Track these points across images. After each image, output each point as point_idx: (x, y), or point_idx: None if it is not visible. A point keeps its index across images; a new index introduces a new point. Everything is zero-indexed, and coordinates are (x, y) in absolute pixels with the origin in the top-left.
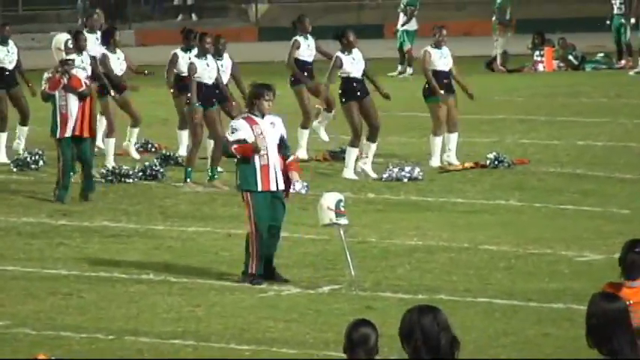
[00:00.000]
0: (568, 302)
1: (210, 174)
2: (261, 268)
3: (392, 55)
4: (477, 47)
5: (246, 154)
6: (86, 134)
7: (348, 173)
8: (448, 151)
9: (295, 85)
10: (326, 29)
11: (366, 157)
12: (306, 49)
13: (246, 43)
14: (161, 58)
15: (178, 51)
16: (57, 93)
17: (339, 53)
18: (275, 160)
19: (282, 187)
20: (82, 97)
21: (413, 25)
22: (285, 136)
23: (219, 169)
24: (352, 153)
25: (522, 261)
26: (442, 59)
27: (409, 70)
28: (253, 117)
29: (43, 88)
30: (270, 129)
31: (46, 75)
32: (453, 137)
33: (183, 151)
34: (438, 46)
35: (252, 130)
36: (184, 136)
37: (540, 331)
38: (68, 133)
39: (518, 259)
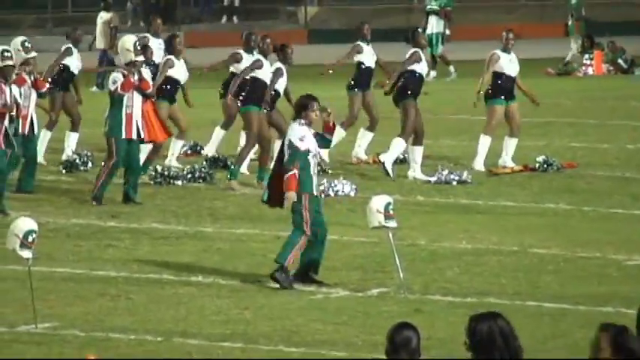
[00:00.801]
0: (617, 306)
1: (258, 175)
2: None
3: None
4: (526, 50)
5: (288, 189)
6: (149, 139)
7: (388, 160)
8: (505, 155)
9: (352, 89)
10: (374, 32)
11: (415, 163)
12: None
13: (296, 46)
14: (210, 59)
15: (242, 52)
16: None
17: (418, 49)
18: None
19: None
20: (146, 99)
21: (442, 28)
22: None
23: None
24: (400, 143)
25: (571, 264)
26: (511, 64)
27: (432, 74)
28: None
29: (113, 88)
30: (315, 142)
31: (115, 75)
32: (513, 141)
33: (209, 149)
34: (506, 50)
35: (312, 141)
36: (221, 135)
37: (589, 334)
38: (134, 135)
39: (567, 263)
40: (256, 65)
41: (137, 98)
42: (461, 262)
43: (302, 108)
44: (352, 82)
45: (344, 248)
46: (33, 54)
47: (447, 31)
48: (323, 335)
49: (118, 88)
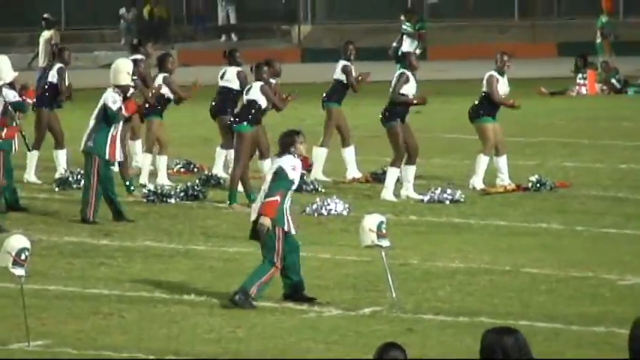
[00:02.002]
0: (610, 326)
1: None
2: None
3: (435, 76)
4: (519, 70)
5: (267, 214)
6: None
7: (388, 194)
8: (501, 174)
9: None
10: (367, 51)
11: (408, 182)
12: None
13: (290, 64)
14: (203, 78)
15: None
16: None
17: (406, 71)
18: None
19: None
20: (126, 122)
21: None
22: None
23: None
24: (394, 174)
25: (564, 284)
26: (503, 87)
27: None
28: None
29: (116, 108)
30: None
31: (112, 95)
32: (503, 159)
33: (216, 171)
34: (501, 71)
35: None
36: (223, 155)
37: (582, 354)
38: (118, 157)
39: (559, 283)
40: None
41: (122, 121)
42: (453, 281)
43: (289, 145)
44: (327, 96)
45: (337, 267)
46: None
47: (418, 51)
48: (315, 354)
49: (122, 110)
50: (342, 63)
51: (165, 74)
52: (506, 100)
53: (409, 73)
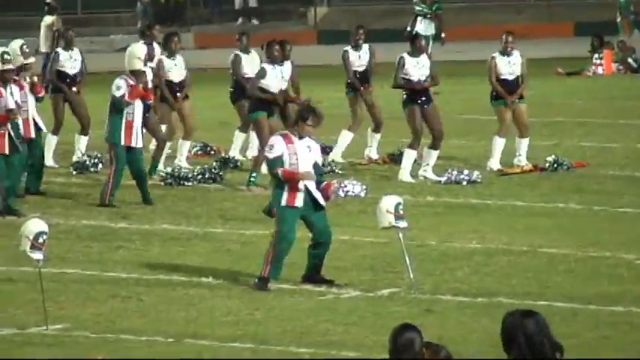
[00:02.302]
0: (628, 305)
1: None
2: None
3: (451, 57)
4: (536, 50)
5: (294, 180)
6: (140, 144)
7: (405, 176)
8: (519, 155)
9: (349, 92)
10: (383, 33)
11: (427, 164)
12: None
13: (306, 46)
14: (220, 61)
15: (240, 53)
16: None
17: (404, 55)
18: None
19: (313, 203)
20: (147, 109)
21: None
22: (320, 163)
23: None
24: (410, 155)
25: (582, 264)
26: (509, 66)
27: None
28: (291, 136)
29: (119, 94)
30: (304, 152)
31: (119, 81)
32: (524, 141)
33: (233, 153)
34: (505, 52)
35: (288, 148)
36: (240, 138)
37: (600, 334)
38: (134, 143)
39: (577, 263)
40: (260, 74)
41: (139, 106)
42: (471, 262)
43: (300, 118)
44: (348, 85)
45: (354, 249)
46: (31, 59)
47: (443, 34)
48: (333, 336)
49: (125, 96)
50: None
51: (161, 57)
52: (498, 86)
53: (407, 57)
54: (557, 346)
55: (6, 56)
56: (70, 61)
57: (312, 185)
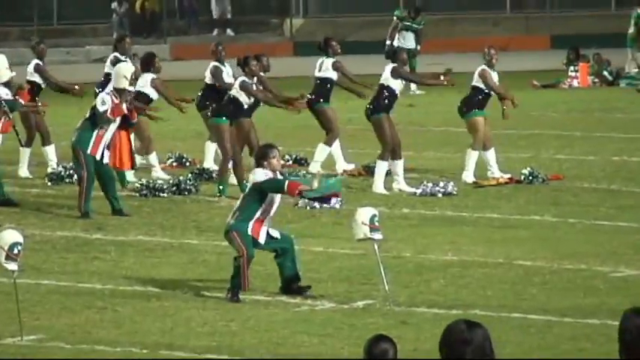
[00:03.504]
0: (603, 318)
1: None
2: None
3: (429, 69)
4: (512, 62)
5: (296, 192)
6: (113, 164)
7: (378, 187)
8: (489, 167)
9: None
10: (361, 45)
11: (398, 176)
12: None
13: (282, 58)
14: (196, 72)
15: (219, 64)
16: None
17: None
18: (269, 221)
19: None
20: (126, 127)
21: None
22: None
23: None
24: (382, 166)
25: (557, 276)
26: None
27: (413, 87)
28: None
29: (102, 109)
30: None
31: (105, 97)
32: (491, 152)
33: (208, 164)
34: (490, 65)
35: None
36: (212, 148)
37: (575, 346)
38: (97, 155)
39: (553, 275)
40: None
41: (114, 123)
42: (447, 274)
43: (262, 158)
44: (312, 96)
45: (330, 260)
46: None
47: (418, 47)
48: (309, 347)
49: (108, 112)
50: (330, 60)
51: (153, 75)
52: (507, 93)
53: (400, 68)
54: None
55: None
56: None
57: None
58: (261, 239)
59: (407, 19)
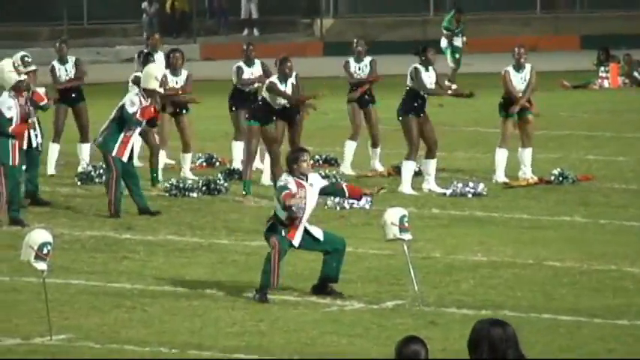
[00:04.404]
0: (633, 319)
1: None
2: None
3: (460, 70)
4: (542, 63)
5: (293, 199)
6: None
7: (406, 188)
8: (523, 167)
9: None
10: (390, 45)
11: (428, 175)
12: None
13: (312, 58)
14: (226, 72)
15: (242, 65)
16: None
17: (417, 65)
18: (305, 221)
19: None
20: (153, 125)
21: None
22: (326, 184)
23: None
24: (409, 167)
25: (587, 277)
26: (520, 82)
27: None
28: (300, 180)
29: (132, 111)
30: (311, 193)
31: (134, 97)
32: (527, 152)
33: (238, 164)
34: (518, 65)
35: (299, 191)
36: (239, 147)
37: (605, 347)
38: (125, 157)
39: (582, 275)
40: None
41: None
42: (476, 274)
43: (293, 161)
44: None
45: (359, 261)
46: (32, 67)
47: (465, 39)
48: (337, 347)
49: (137, 114)
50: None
51: (165, 72)
52: (521, 97)
53: (420, 68)
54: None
55: (27, 59)
56: (65, 74)
57: (306, 223)
58: (296, 242)
59: (455, 28)
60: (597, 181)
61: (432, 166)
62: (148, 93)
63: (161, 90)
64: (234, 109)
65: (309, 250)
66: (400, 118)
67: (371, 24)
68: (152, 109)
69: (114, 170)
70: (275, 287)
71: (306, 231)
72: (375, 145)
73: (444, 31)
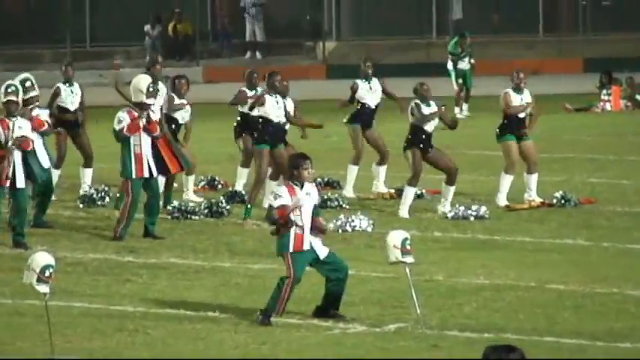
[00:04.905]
0: (635, 341)
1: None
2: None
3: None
4: (545, 85)
5: (286, 214)
6: (154, 174)
7: (402, 212)
8: (529, 190)
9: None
10: (394, 67)
11: (445, 200)
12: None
13: (314, 81)
14: (229, 95)
15: (246, 89)
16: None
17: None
18: (307, 228)
19: (317, 249)
20: (154, 139)
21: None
22: (318, 203)
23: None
24: (409, 193)
25: (590, 300)
26: (520, 104)
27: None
28: (293, 186)
29: (118, 128)
30: (306, 200)
31: (121, 115)
32: (533, 177)
33: (239, 187)
34: (518, 89)
35: (291, 199)
36: (244, 173)
37: None
38: (145, 173)
39: (585, 298)
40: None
41: (145, 137)
42: (479, 297)
43: (294, 167)
44: (351, 117)
45: (361, 283)
46: (34, 93)
47: (472, 61)
48: None
49: (124, 129)
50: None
51: (172, 95)
52: (519, 108)
53: (421, 104)
54: None
55: (9, 89)
56: (71, 96)
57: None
58: (306, 246)
59: (460, 52)
60: (600, 204)
61: (450, 192)
62: (138, 106)
63: (151, 101)
64: (240, 136)
65: (318, 269)
66: (406, 149)
67: (374, 46)
68: (141, 122)
69: (131, 196)
70: (279, 314)
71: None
72: (381, 163)
73: (450, 56)
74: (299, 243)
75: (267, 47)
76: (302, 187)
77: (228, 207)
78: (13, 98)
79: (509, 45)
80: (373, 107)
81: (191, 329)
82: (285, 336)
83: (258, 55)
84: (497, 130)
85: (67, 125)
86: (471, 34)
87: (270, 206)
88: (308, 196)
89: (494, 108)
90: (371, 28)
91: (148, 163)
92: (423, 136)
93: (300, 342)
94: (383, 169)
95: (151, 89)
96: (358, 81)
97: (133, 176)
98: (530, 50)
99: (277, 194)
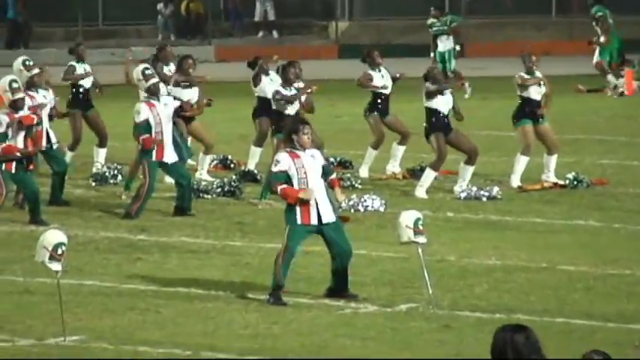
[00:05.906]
0: None
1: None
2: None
3: (473, 74)
4: (556, 67)
5: (290, 200)
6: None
7: (420, 192)
8: (547, 171)
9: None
10: (406, 48)
11: (463, 180)
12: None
13: (326, 61)
14: (241, 74)
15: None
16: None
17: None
18: (317, 194)
19: (327, 219)
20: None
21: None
22: (326, 164)
23: None
24: (430, 175)
25: (601, 282)
26: (535, 86)
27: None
28: (295, 151)
29: (137, 120)
30: (311, 162)
31: (140, 106)
32: (552, 159)
33: (252, 167)
34: (530, 72)
35: (294, 163)
36: (257, 152)
37: (619, 351)
38: (165, 158)
39: (596, 280)
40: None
41: (167, 123)
42: (490, 278)
43: (293, 131)
44: (368, 107)
45: (373, 264)
46: (35, 71)
47: (457, 47)
48: (351, 350)
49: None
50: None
51: (177, 77)
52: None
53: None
54: None
55: (14, 85)
56: (84, 72)
57: (322, 199)
58: (313, 220)
59: (434, 25)
60: (612, 186)
61: (469, 172)
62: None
63: (21, 95)
64: (259, 116)
65: (324, 240)
66: (429, 135)
67: (386, 27)
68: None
69: (149, 178)
70: (281, 286)
71: (319, 214)
72: (402, 142)
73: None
74: (306, 216)
75: (279, 27)
76: (304, 150)
77: (240, 186)
78: (21, 95)
79: (520, 26)
80: (387, 94)
81: (202, 308)
82: (295, 315)
83: (275, 33)
84: (514, 115)
85: (80, 105)
86: (482, 15)
87: (270, 171)
88: (312, 158)
89: (506, 89)
90: (383, 9)
91: (168, 148)
92: (445, 120)
93: (310, 322)
94: (402, 149)
95: (147, 73)
96: (370, 71)
97: (153, 159)
98: (540, 32)
99: (277, 160)
